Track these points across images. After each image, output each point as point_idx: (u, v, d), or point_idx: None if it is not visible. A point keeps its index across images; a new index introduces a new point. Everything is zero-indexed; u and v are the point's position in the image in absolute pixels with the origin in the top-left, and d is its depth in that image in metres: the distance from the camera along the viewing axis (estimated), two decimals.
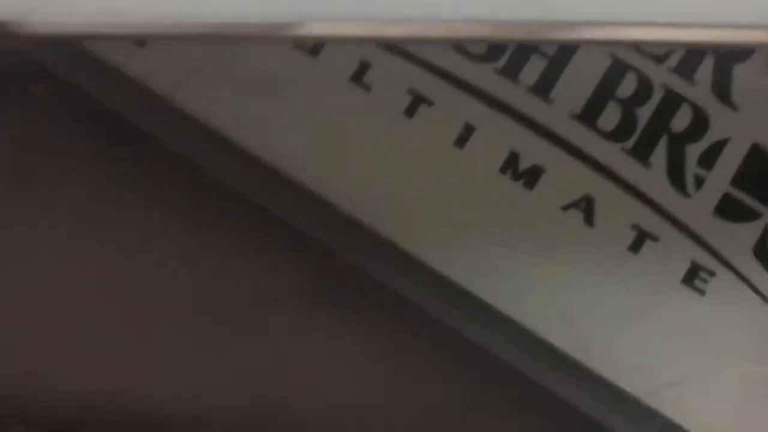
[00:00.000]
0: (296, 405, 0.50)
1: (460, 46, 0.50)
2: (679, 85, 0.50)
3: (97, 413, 0.49)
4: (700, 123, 0.50)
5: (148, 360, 0.50)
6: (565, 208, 0.49)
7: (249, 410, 0.50)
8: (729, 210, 0.49)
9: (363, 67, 0.50)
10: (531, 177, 0.49)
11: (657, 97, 0.50)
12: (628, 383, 0.48)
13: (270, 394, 0.50)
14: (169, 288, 0.51)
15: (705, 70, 0.51)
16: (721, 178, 0.50)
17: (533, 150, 0.50)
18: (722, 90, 0.50)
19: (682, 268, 0.49)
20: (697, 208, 0.49)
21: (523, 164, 0.50)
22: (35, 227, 0.51)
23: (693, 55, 0.51)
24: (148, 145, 0.50)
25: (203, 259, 0.51)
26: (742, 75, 0.50)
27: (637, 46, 0.50)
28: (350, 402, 0.50)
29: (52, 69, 0.51)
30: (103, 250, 0.51)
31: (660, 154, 0.50)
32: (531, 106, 0.50)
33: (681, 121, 0.50)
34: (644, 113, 0.50)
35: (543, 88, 0.50)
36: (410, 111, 0.50)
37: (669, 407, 0.47)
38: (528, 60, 0.50)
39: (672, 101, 0.50)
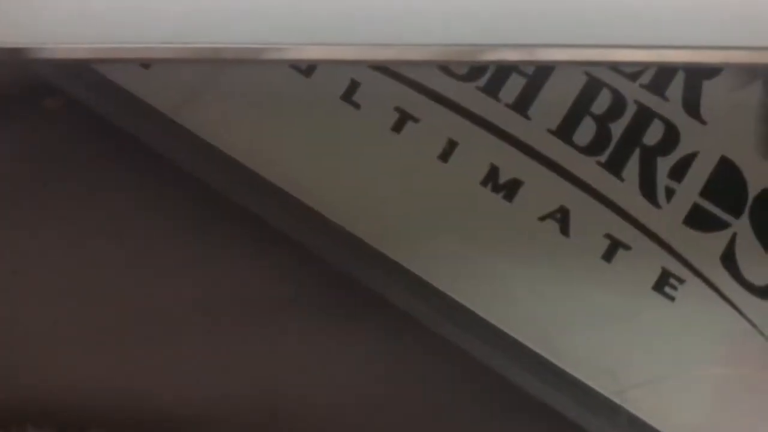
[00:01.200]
0: (296, 407, 0.51)
1: (444, 67, 0.51)
2: (651, 101, 0.51)
3: (104, 413, 0.50)
4: (670, 137, 0.51)
5: (153, 361, 0.51)
6: (542, 218, 0.50)
7: (250, 411, 0.51)
8: (698, 220, 0.50)
9: (353, 87, 0.51)
10: (510, 189, 0.50)
11: (630, 112, 0.51)
12: (600, 383, 0.48)
13: (271, 396, 0.51)
14: (174, 293, 0.51)
15: (676, 87, 0.51)
16: (690, 190, 0.50)
17: (512, 164, 0.50)
18: (692, 106, 0.51)
19: (653, 276, 0.49)
20: (668, 219, 0.50)
21: (503, 177, 0.50)
22: (44, 235, 0.52)
23: (665, 72, 0.51)
24: (151, 161, 0.51)
25: (204, 266, 0.52)
26: (710, 91, 0.51)
27: (612, 66, 0.51)
28: (347, 405, 0.51)
29: (63, 89, 0.51)
30: (108, 259, 0.52)
31: (633, 167, 0.50)
32: (511, 123, 0.51)
33: (653, 135, 0.51)
34: (618, 128, 0.51)
35: (522, 105, 0.51)
36: (397, 127, 0.51)
37: (639, 406, 0.48)
38: (508, 79, 0.51)
39: (644, 116, 0.51)
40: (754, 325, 0.49)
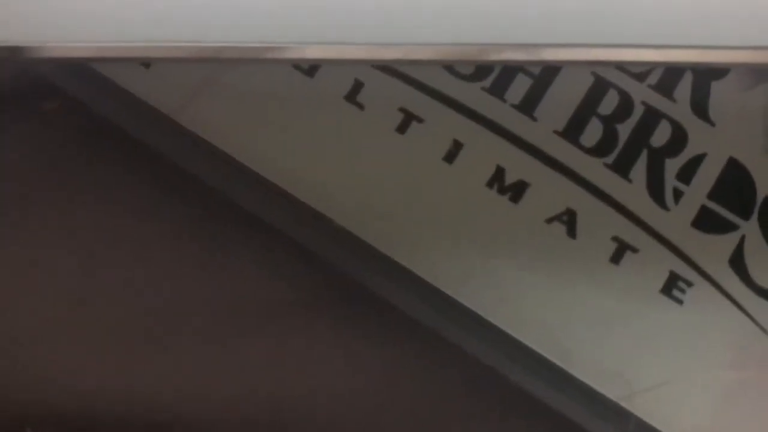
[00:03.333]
0: (298, 410, 0.51)
1: (449, 67, 0.51)
2: (658, 102, 0.51)
3: (105, 416, 0.50)
4: (678, 138, 0.51)
5: (155, 364, 0.51)
6: (549, 220, 0.50)
7: (253, 414, 0.50)
8: (706, 222, 0.50)
9: (357, 87, 0.51)
10: (516, 191, 0.50)
11: (637, 113, 0.51)
12: (608, 387, 0.48)
13: (273, 399, 0.51)
14: (175, 295, 0.51)
15: (684, 88, 0.51)
16: (698, 192, 0.50)
17: (519, 165, 0.50)
18: (700, 107, 0.51)
19: (661, 279, 0.49)
20: (676, 221, 0.50)
21: (509, 179, 0.50)
22: (44, 236, 0.52)
23: (672, 73, 0.51)
24: (152, 161, 0.51)
25: (206, 269, 0.51)
26: (719, 92, 0.51)
27: (619, 66, 0.51)
28: (350, 409, 0.51)
29: (63, 89, 0.51)
30: (109, 261, 0.51)
31: (640, 168, 0.50)
32: (517, 124, 0.51)
33: (660, 136, 0.51)
34: (625, 129, 0.51)
35: (528, 106, 0.51)
36: (402, 128, 0.51)
37: (647, 410, 0.48)
38: (514, 79, 0.51)
39: (652, 118, 0.51)
40: (762, 328, 0.49)
